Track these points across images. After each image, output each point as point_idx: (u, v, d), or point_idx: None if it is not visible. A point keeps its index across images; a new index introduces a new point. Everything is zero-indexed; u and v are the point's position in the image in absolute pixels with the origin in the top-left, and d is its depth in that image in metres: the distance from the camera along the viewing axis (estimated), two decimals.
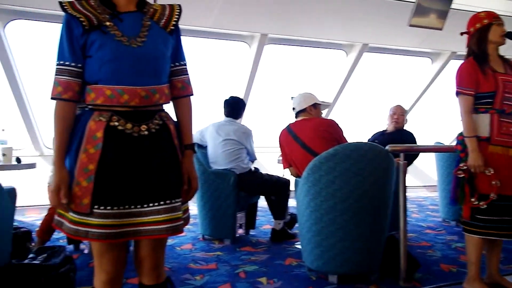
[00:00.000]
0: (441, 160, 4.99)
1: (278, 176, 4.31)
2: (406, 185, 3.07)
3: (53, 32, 5.20)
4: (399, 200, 3.01)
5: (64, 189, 1.59)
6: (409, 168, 3.43)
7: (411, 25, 5.27)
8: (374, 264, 3.06)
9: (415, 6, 5.14)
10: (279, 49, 6.24)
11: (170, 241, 3.85)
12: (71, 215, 1.61)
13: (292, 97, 3.75)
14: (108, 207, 1.57)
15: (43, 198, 3.87)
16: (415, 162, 4.46)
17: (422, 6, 5.20)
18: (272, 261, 3.58)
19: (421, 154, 4.53)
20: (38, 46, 5.46)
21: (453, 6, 5.41)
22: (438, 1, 5.29)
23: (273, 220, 4.30)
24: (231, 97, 4.40)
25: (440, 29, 5.54)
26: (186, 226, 1.79)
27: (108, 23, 1.63)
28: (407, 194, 3.07)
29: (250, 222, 4.48)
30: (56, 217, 1.68)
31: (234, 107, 4.33)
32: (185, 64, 1.82)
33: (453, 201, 2.81)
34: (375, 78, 7.40)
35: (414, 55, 7.01)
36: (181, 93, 1.80)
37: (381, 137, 4.55)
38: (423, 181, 7.59)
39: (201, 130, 4.45)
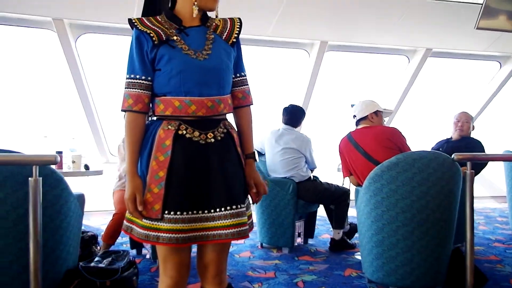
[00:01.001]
0: (511, 169, 4.72)
1: (337, 185, 4.25)
2: (473, 195, 2.93)
3: (119, 44, 5.44)
4: (465, 211, 2.88)
5: (139, 197, 1.66)
6: (476, 178, 3.27)
7: (478, 28, 5.03)
8: (438, 277, 2.94)
9: (482, 8, 4.91)
10: (339, 55, 6.17)
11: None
12: (142, 220, 1.67)
13: (352, 105, 3.69)
14: (178, 212, 1.63)
15: (108, 204, 4.04)
16: (482, 171, 4.25)
17: (490, 7, 4.95)
18: (331, 271, 3.53)
19: (489, 163, 4.31)
20: (105, 57, 5.72)
21: None
22: (508, 1, 5.03)
23: (332, 229, 4.24)
24: (290, 105, 4.38)
25: (510, 31, 5.26)
26: None
27: (175, 38, 1.70)
28: (474, 205, 2.93)
29: (309, 231, 4.44)
30: (125, 222, 1.75)
31: (293, 115, 4.32)
32: (245, 75, 1.88)
33: None
34: (439, 83, 7.16)
35: (481, 59, 6.71)
36: (242, 103, 1.85)
37: (446, 145, 4.38)
38: (491, 191, 7.23)
39: (260, 138, 4.47)
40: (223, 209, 1.66)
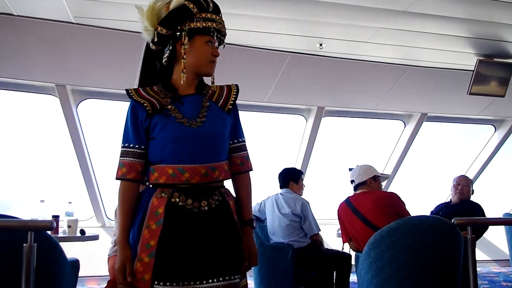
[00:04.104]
0: None
1: (338, 250, 4.17)
2: (476, 259, 2.87)
3: (120, 109, 5.54)
4: (468, 276, 2.82)
5: (129, 268, 1.64)
6: (478, 241, 3.23)
7: (471, 94, 5.17)
8: None
9: (474, 74, 5.06)
10: (336, 120, 6.27)
11: None
12: None
13: (350, 169, 3.70)
14: (168, 283, 1.59)
15: (103, 269, 3.94)
16: (484, 234, 4.20)
17: (481, 74, 5.11)
18: None
19: (490, 226, 4.26)
20: (105, 123, 5.80)
21: None
22: (499, 68, 5.19)
23: None
24: (283, 169, 4.41)
25: (503, 96, 5.40)
26: None
27: (170, 107, 1.73)
28: (477, 269, 2.86)
29: None
30: None
31: (284, 177, 4.32)
32: (243, 141, 1.87)
33: None
34: (435, 147, 7.23)
35: (476, 123, 6.83)
36: (240, 169, 1.84)
37: (446, 209, 4.34)
38: (493, 255, 7.09)
39: (260, 202, 4.45)
40: (215, 280, 1.62)
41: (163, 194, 1.67)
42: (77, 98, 5.12)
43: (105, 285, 3.57)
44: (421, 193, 7.07)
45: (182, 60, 1.73)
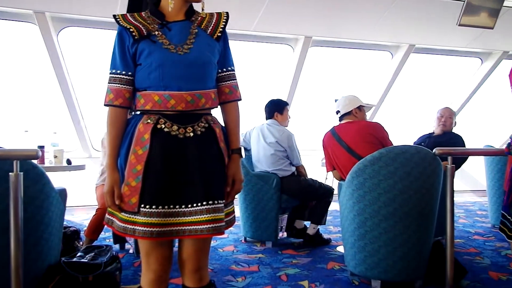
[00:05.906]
0: (491, 164, 4.80)
1: (322, 183, 4.26)
2: (454, 189, 2.97)
3: (103, 38, 5.39)
4: (446, 204, 2.93)
5: (117, 191, 1.68)
6: (457, 172, 3.32)
7: (460, 25, 5.10)
8: (419, 270, 2.98)
9: (465, 5, 4.97)
10: (323, 51, 6.20)
11: (212, 243, 3.89)
12: (121, 213, 1.68)
13: (335, 100, 3.71)
14: (153, 206, 1.63)
15: (91, 199, 4.01)
16: (463, 166, 4.32)
17: (472, 4, 5.02)
18: (314, 264, 3.56)
19: (469, 158, 4.38)
20: (88, 51, 5.65)
21: (505, 3, 5.21)
22: None
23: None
24: (269, 101, 4.40)
25: (492, 28, 5.34)
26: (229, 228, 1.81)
27: (157, 33, 1.71)
28: (454, 198, 2.98)
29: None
30: (107, 215, 1.76)
31: (272, 108, 4.33)
32: (233, 70, 1.86)
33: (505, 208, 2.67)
34: (421, 79, 7.24)
35: (463, 55, 6.81)
36: (229, 98, 1.84)
37: (428, 140, 4.43)
38: (471, 186, 7.35)
39: (245, 133, 4.48)
40: (199, 204, 1.65)
41: (149, 121, 1.68)
42: (57, 26, 4.96)
43: (94, 213, 3.67)
44: (406, 124, 7.16)
45: None
